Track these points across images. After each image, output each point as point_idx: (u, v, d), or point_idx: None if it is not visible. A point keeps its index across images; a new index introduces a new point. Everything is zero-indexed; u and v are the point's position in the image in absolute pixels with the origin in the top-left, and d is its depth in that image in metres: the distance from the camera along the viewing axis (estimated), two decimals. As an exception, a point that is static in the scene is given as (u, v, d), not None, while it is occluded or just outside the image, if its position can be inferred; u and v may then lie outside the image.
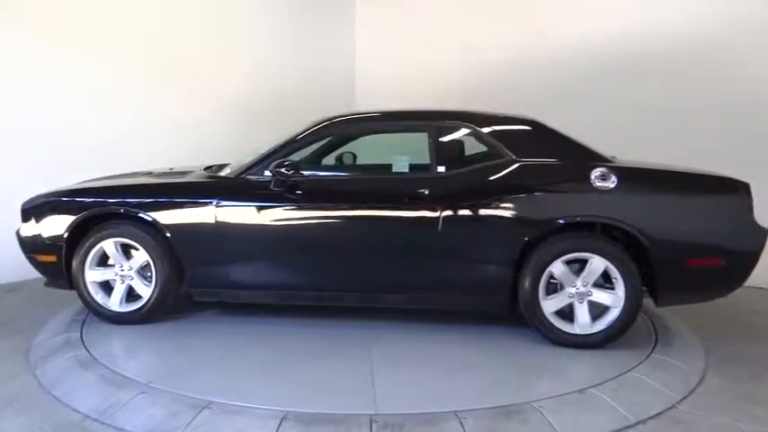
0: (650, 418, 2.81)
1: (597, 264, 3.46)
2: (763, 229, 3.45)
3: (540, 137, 3.76)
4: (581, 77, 5.97)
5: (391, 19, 7.70)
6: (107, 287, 3.98)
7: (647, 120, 5.57)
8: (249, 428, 2.63)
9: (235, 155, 4.33)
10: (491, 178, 3.62)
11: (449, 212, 3.55)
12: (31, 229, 4.02)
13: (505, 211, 3.53)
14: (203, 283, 3.93)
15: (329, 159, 4.54)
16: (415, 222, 3.60)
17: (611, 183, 3.46)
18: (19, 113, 5.20)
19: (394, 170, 4.04)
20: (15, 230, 4.11)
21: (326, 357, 3.41)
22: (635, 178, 3.57)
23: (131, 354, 3.62)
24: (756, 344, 3.86)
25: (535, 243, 3.52)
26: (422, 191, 3.59)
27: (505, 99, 6.13)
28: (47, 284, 4.15)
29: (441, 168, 3.68)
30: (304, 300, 3.92)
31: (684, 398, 3.04)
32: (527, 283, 3.52)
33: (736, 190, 3.48)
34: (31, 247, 4.05)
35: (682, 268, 3.46)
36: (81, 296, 3.96)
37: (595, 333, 3.50)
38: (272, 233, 3.76)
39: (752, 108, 5.09)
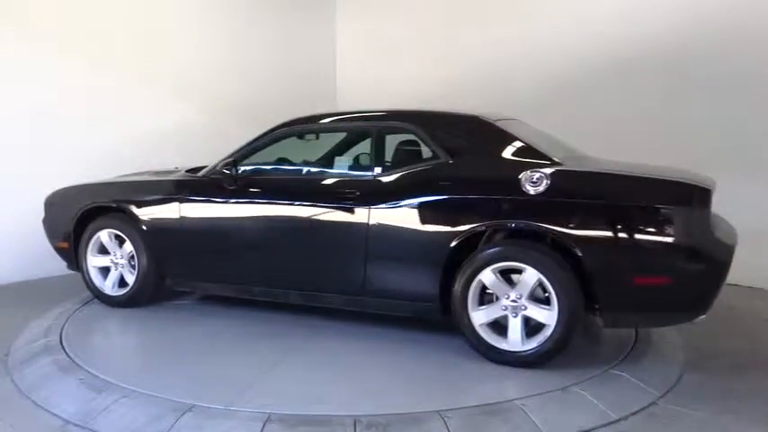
0: (632, 414, 2.84)
1: (529, 275, 3.17)
2: (725, 244, 3.06)
3: (481, 136, 3.60)
4: (566, 77, 5.98)
5: (372, 21, 7.72)
6: (107, 272, 4.40)
7: (637, 118, 5.57)
8: (233, 431, 2.62)
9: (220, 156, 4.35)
10: (421, 180, 3.52)
11: (378, 214, 3.51)
12: (50, 219, 4.58)
13: (431, 214, 3.41)
14: (175, 274, 4.26)
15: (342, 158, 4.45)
16: (348, 223, 3.60)
17: (542, 186, 3.19)
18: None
19: (334, 170, 4.04)
20: (41, 219, 4.63)
21: (310, 356, 3.42)
22: (570, 182, 3.25)
23: (112, 357, 3.59)
24: (733, 339, 3.92)
25: (467, 249, 3.33)
26: (354, 191, 3.60)
27: (489, 99, 6.19)
28: (68, 267, 4.61)
29: (378, 169, 3.65)
30: (256, 295, 4.06)
31: (665, 394, 3.07)
32: (457, 292, 3.33)
33: (690, 197, 3.04)
34: (50, 234, 4.60)
35: (626, 285, 3.08)
36: (84, 278, 4.43)
37: (526, 351, 3.21)
38: (224, 229, 4.02)
39: (753, 104, 5.00)
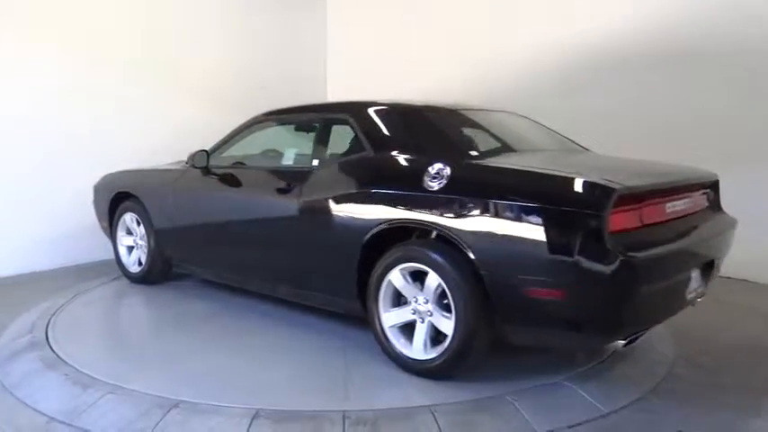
0: (622, 408, 2.83)
1: (431, 279, 2.95)
2: (627, 258, 2.48)
3: (408, 129, 3.42)
4: (567, 71, 5.95)
5: (362, 14, 7.69)
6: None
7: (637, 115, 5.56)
8: (220, 427, 2.59)
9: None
10: (343, 173, 3.48)
11: (305, 207, 3.51)
12: (96, 201, 5.10)
13: (347, 209, 3.31)
14: (175, 256, 4.58)
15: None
16: (285, 214, 3.62)
17: (441, 182, 2.95)
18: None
19: (282, 162, 4.05)
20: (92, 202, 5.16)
21: (300, 352, 3.39)
22: (469, 177, 2.98)
23: (98, 353, 3.53)
24: (721, 333, 3.92)
25: (381, 247, 3.17)
26: (292, 183, 3.61)
27: (480, 93, 6.17)
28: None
29: (315, 162, 3.64)
30: (228, 280, 4.31)
31: (654, 387, 3.06)
32: (370, 291, 3.20)
33: (587, 200, 2.58)
34: (97, 215, 5.12)
35: (520, 297, 2.72)
36: (115, 255, 4.96)
37: (426, 360, 3.01)
38: (197, 216, 4.31)
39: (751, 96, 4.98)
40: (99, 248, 5.46)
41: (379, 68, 7.36)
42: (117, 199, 4.85)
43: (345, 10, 7.87)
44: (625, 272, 2.48)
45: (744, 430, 2.70)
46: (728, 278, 4.61)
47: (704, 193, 3.35)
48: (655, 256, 2.63)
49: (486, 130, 3.68)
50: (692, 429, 2.65)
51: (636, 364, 3.28)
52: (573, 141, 3.99)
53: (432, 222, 2.94)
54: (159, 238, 4.56)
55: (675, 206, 2.99)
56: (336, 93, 7.83)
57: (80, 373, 3.10)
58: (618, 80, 5.62)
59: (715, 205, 3.47)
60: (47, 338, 3.59)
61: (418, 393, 2.86)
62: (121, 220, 4.85)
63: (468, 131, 3.68)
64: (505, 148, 3.51)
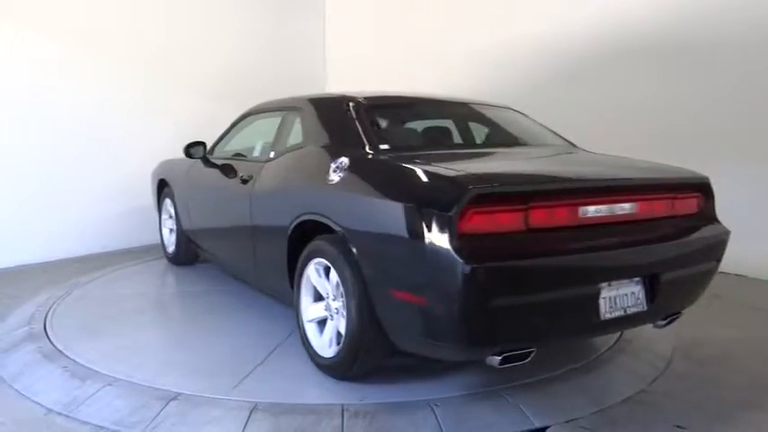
0: (620, 402, 2.84)
1: (333, 276, 2.87)
2: (479, 266, 2.18)
3: (336, 121, 3.32)
4: (566, 64, 5.95)
5: (361, 7, 7.66)
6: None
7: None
8: (218, 420, 2.59)
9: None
10: (282, 166, 3.48)
11: (254, 197, 3.59)
12: (151, 187, 5.54)
13: (280, 202, 3.33)
14: (194, 239, 4.83)
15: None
16: (241, 204, 3.73)
17: (340, 176, 2.87)
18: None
19: (252, 154, 4.13)
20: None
21: (294, 346, 3.38)
22: (360, 172, 2.85)
23: (97, 345, 3.50)
24: (719, 327, 3.93)
25: (305, 240, 3.12)
26: (249, 175, 3.70)
27: (480, 90, 6.15)
28: None
29: (272, 154, 3.67)
30: (217, 264, 4.70)
31: (653, 381, 3.07)
32: (296, 283, 3.18)
33: (439, 198, 2.32)
34: (152, 199, 5.58)
35: (393, 301, 2.53)
36: (160, 237, 5.48)
37: (327, 358, 2.94)
38: (195, 204, 4.63)
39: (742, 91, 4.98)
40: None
41: (379, 67, 7.34)
42: (161, 185, 5.29)
43: (345, 10, 7.85)
44: (478, 281, 2.20)
45: (741, 424, 2.70)
46: (724, 273, 4.62)
47: (676, 198, 2.86)
48: (524, 264, 2.33)
49: (446, 124, 3.65)
50: (691, 424, 2.66)
51: (634, 359, 3.29)
52: (561, 136, 3.88)
53: (326, 217, 2.89)
54: (181, 222, 4.91)
55: (604, 210, 2.57)
56: (335, 83, 7.82)
57: (78, 364, 3.10)
58: (618, 76, 5.62)
59: (703, 211, 3.00)
60: (45, 330, 3.59)
61: (417, 388, 2.85)
62: (163, 204, 5.29)
63: (409, 124, 3.66)
64: (444, 142, 3.47)
